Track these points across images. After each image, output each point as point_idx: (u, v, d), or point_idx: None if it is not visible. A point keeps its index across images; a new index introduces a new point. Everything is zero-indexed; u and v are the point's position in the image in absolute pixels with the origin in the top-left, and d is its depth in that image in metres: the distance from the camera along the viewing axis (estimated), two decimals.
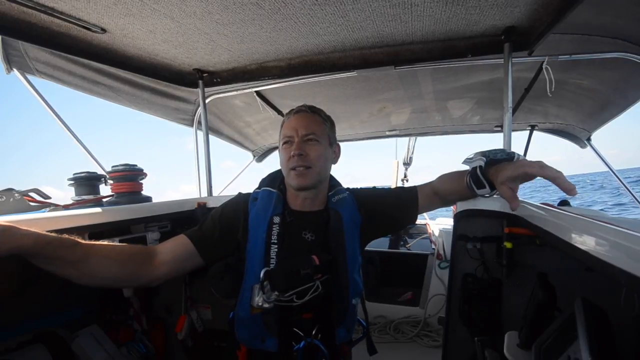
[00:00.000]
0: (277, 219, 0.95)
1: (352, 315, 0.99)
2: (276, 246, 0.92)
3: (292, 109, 1.00)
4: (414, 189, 1.08)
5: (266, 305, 0.85)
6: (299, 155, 0.93)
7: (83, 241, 0.77)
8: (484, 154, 0.92)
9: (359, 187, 1.13)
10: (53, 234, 0.72)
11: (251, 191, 1.03)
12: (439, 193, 1.07)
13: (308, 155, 0.94)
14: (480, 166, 0.90)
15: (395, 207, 1.08)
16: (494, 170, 0.87)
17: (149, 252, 0.89)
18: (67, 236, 0.75)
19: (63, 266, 0.74)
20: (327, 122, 1.02)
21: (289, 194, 1.02)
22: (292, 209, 1.00)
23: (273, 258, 0.91)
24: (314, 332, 0.92)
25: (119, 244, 0.86)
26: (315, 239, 0.98)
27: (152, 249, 0.90)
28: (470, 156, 0.95)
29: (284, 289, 0.85)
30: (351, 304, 0.97)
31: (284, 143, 0.98)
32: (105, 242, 0.82)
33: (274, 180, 1.05)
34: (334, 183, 1.07)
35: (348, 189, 1.10)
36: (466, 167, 0.97)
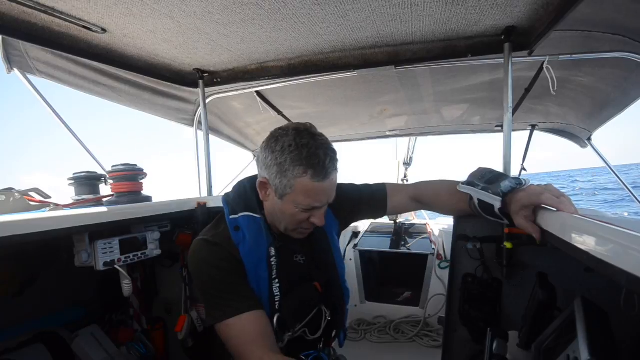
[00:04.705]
0: (273, 251, 0.86)
1: (346, 318, 1.04)
2: (277, 281, 0.86)
3: (319, 165, 0.77)
4: (382, 192, 1.05)
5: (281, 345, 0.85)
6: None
7: None
8: (495, 192, 0.79)
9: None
10: None
11: (209, 236, 0.87)
12: (423, 201, 1.04)
13: None
14: (499, 208, 0.78)
15: (364, 203, 1.06)
16: (507, 201, 0.77)
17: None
18: None
19: None
20: None
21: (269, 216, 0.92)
22: (278, 233, 0.93)
23: (277, 295, 0.86)
24: (320, 345, 0.95)
25: None
26: (307, 260, 0.96)
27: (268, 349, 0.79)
28: (479, 184, 0.85)
29: (294, 325, 0.87)
30: (347, 310, 1.01)
31: (306, 209, 0.82)
32: None
33: (248, 201, 0.91)
34: None
35: None
36: (467, 175, 0.93)
